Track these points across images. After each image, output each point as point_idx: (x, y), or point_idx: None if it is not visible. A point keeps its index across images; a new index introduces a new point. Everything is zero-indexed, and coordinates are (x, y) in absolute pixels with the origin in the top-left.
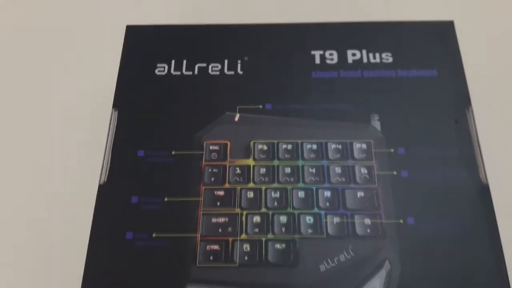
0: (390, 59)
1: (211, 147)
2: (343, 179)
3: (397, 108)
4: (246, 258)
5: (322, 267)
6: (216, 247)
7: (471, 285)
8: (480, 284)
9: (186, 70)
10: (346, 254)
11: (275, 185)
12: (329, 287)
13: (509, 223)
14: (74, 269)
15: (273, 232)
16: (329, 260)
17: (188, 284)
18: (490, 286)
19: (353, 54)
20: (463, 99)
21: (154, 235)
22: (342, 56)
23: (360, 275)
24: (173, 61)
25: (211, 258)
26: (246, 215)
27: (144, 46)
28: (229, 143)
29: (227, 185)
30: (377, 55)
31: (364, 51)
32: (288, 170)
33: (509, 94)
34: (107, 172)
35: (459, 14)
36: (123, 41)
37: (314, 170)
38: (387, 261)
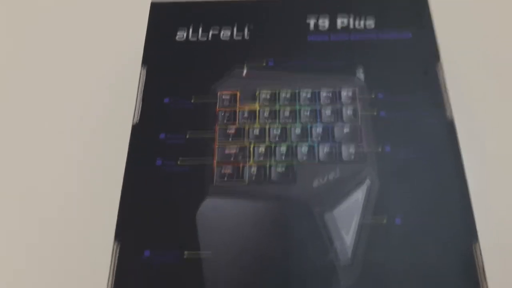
0: (372, 25)
1: (223, 96)
2: (332, 119)
3: (377, 63)
4: (253, 178)
5: (315, 183)
6: (229, 170)
7: (437, 198)
8: (445, 198)
9: (201, 36)
10: (334, 174)
11: (277, 124)
12: (321, 199)
13: (470, 152)
14: (113, 192)
15: (275, 159)
16: (320, 178)
17: (207, 197)
18: (453, 200)
19: (342, 22)
20: (433, 56)
21: (179, 162)
22: (333, 23)
23: (346, 189)
24: (190, 29)
25: (225, 178)
26: (253, 147)
27: (166, 18)
28: (238, 93)
29: (237, 125)
30: (362, 22)
31: (351, 19)
32: (287, 112)
33: (472, 50)
34: (139, 115)
35: None
36: (148, 14)
37: (308, 113)
38: (367, 178)
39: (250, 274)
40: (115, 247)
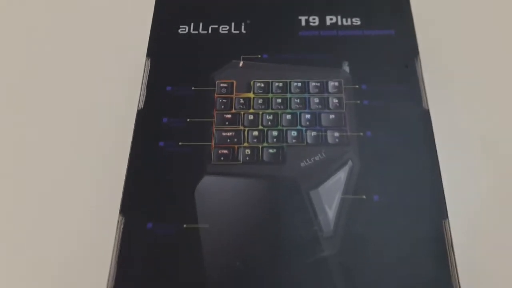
0: (359, 22)
1: (221, 85)
2: (320, 106)
3: (362, 57)
4: (247, 158)
5: (302, 164)
6: (225, 151)
7: (411, 178)
8: (419, 178)
9: (202, 30)
10: (320, 155)
11: (269, 110)
12: (307, 177)
13: (442, 138)
14: (119, 170)
15: (267, 142)
16: (307, 159)
17: (205, 175)
18: (426, 180)
19: (331, 19)
20: (413, 51)
21: (180, 143)
22: (322, 20)
23: (330, 169)
24: (192, 24)
25: (222, 158)
26: (247, 130)
27: (169, 12)
28: (235, 82)
29: (233, 111)
30: (349, 19)
31: (339, 17)
32: (279, 100)
33: (447, 47)
34: (144, 100)
35: None
36: (153, 9)
37: (298, 101)
38: (350, 160)
39: (243, 244)
40: (120, 220)
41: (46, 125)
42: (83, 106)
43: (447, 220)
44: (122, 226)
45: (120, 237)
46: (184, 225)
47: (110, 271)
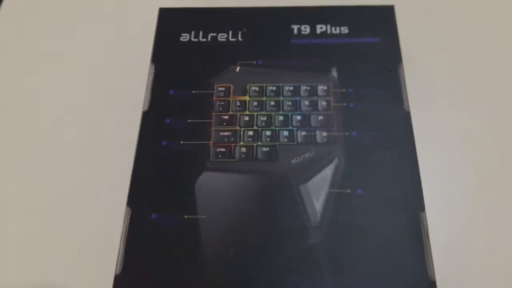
0: (346, 31)
1: (219, 88)
2: (310, 108)
3: (349, 63)
4: (243, 156)
5: (293, 161)
6: (223, 149)
7: (392, 174)
8: (399, 174)
9: (202, 38)
10: (309, 153)
11: (263, 112)
12: (297, 173)
13: (421, 138)
14: (126, 167)
15: (261, 141)
16: (297, 157)
17: (204, 171)
18: (406, 176)
19: (321, 28)
20: (396, 58)
21: (181, 142)
22: (313, 29)
23: (318, 166)
24: (192, 32)
25: (220, 156)
26: (243, 131)
27: (172, 21)
28: (232, 86)
29: (230, 113)
30: (338, 28)
31: (328, 26)
32: (272, 103)
33: (429, 53)
34: (149, 103)
35: (399, 1)
36: (157, 19)
37: (290, 103)
38: (336, 158)
39: (238, 233)
40: (127, 211)
41: (62, 125)
42: (94, 105)
43: (424, 212)
44: (129, 217)
45: (127, 226)
46: (185, 216)
47: (118, 256)
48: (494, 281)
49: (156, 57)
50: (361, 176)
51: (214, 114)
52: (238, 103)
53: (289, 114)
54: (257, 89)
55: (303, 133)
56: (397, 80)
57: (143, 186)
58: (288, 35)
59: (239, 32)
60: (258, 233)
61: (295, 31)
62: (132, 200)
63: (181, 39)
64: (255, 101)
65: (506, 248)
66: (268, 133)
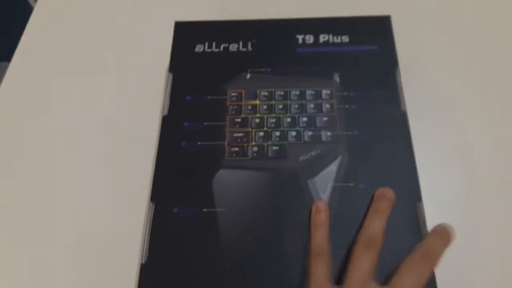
0: (347, 39)
1: (232, 94)
2: (315, 110)
3: (350, 69)
4: (255, 154)
5: (301, 158)
6: (236, 149)
7: (391, 169)
8: (397, 169)
9: (215, 48)
10: (315, 151)
11: (273, 114)
12: (305, 169)
13: (418, 136)
14: (148, 166)
15: (271, 140)
16: (305, 154)
17: (220, 169)
18: (404, 170)
19: (323, 37)
20: (393, 63)
21: (199, 143)
22: (316, 38)
23: (323, 162)
24: (206, 43)
25: (234, 155)
26: (255, 131)
27: (187, 34)
28: (243, 91)
29: (242, 115)
30: (339, 37)
31: (330, 35)
32: (280, 106)
33: (424, 59)
34: (168, 108)
35: (394, 11)
36: (173, 31)
37: (297, 106)
38: (340, 155)
39: (253, 223)
40: (150, 206)
41: (88, 129)
42: (119, 111)
43: (421, 202)
44: (152, 211)
45: (151, 220)
46: (204, 209)
47: (143, 248)
48: (491, 272)
49: (173, 66)
50: (363, 171)
51: (228, 117)
52: (250, 107)
53: (296, 116)
54: (266, 93)
55: (309, 133)
56: (394, 83)
57: (165, 183)
58: (293, 45)
59: (249, 43)
60: (270, 223)
61: (300, 41)
62: (155, 196)
63: (195, 49)
64: (265, 104)
65: (504, 243)
66: (278, 133)
